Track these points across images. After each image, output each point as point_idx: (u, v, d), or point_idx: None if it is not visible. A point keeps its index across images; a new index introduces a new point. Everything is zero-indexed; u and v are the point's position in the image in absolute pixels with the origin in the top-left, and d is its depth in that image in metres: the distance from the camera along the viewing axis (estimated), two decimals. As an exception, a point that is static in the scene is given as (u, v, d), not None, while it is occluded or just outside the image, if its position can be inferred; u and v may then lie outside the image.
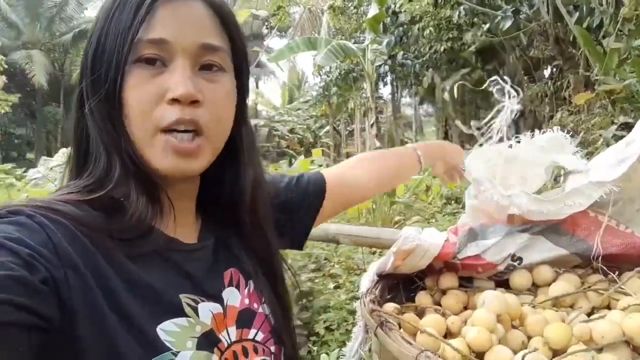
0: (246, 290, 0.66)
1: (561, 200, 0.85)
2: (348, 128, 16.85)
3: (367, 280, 0.94)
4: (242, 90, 0.67)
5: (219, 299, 0.62)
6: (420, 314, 0.85)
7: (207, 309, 0.60)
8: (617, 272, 0.90)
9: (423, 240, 0.89)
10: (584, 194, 0.84)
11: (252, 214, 0.68)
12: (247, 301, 0.65)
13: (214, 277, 0.64)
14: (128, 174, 0.57)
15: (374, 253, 2.54)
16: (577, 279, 0.85)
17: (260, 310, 0.67)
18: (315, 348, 1.86)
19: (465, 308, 0.88)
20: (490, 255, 0.87)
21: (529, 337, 0.71)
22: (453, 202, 4.96)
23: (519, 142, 0.97)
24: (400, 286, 0.97)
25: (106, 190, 0.56)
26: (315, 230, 1.66)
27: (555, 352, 0.67)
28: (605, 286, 0.82)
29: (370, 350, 0.84)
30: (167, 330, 0.54)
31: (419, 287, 0.95)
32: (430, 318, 0.76)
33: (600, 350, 0.64)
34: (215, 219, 0.69)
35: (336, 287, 2.42)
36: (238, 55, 0.65)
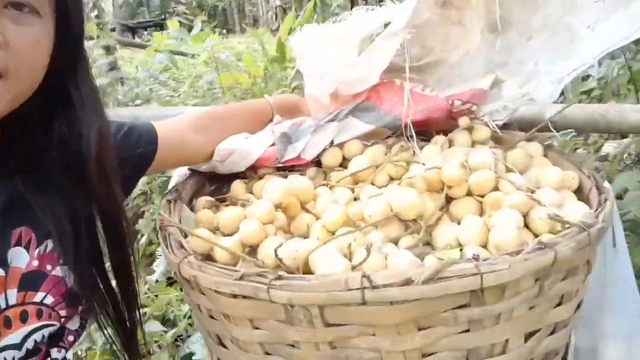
0: (37, 250, 0.60)
1: (364, 60, 0.80)
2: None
3: (177, 176, 0.88)
4: (71, 37, 0.59)
5: (2, 261, 0.57)
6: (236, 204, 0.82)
7: None
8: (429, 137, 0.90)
9: (243, 146, 0.83)
10: (383, 49, 0.79)
11: (102, 171, 0.62)
12: (35, 263, 0.59)
13: None
14: None
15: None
16: (382, 150, 0.83)
17: (54, 272, 0.61)
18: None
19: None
20: (307, 154, 0.84)
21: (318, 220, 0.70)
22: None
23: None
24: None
25: None
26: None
27: (334, 234, 0.66)
28: (408, 155, 0.81)
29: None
30: None
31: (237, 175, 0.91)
32: (227, 213, 0.73)
33: (376, 227, 0.63)
34: (13, 169, 0.61)
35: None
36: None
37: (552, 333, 0.62)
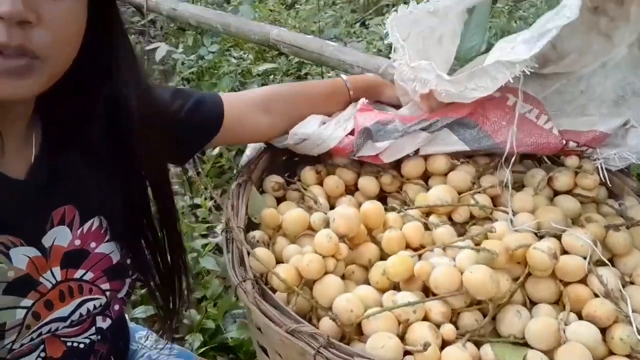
0: (81, 229, 0.61)
1: (462, 82, 0.70)
2: None
3: (251, 148, 0.85)
4: (107, 5, 0.55)
5: (39, 242, 0.57)
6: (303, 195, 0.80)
7: (21, 254, 0.55)
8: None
9: (318, 133, 0.78)
10: (489, 76, 0.68)
11: (141, 137, 0.61)
12: (78, 242, 0.60)
13: (38, 215, 0.57)
14: None
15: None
16: (470, 175, 0.76)
17: (98, 249, 0.62)
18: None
19: (356, 186, 0.82)
20: (387, 157, 0.78)
21: (383, 253, 0.67)
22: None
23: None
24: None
25: None
26: (254, 34, 1.47)
27: (400, 283, 0.63)
28: (497, 192, 0.74)
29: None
30: None
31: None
32: (290, 216, 0.71)
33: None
34: (63, 146, 0.61)
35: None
36: None
37: None
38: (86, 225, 0.62)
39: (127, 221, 0.65)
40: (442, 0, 0.75)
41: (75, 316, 0.61)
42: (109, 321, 0.67)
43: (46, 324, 0.58)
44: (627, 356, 0.55)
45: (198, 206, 1.49)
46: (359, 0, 3.31)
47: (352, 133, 0.79)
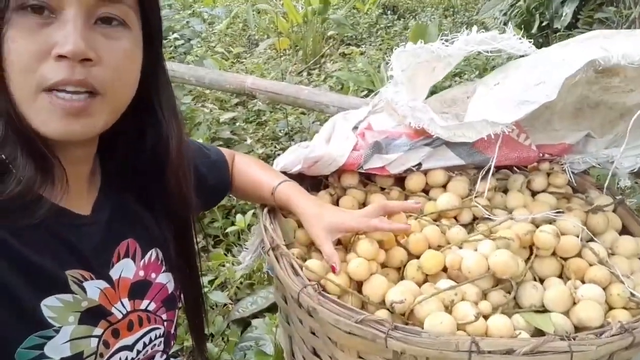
0: (142, 261, 0.66)
1: (451, 129, 0.84)
2: None
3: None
4: (153, 47, 0.60)
5: (107, 275, 0.62)
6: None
7: (94, 286, 0.59)
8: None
9: (329, 152, 0.87)
10: (474, 130, 0.82)
11: (178, 175, 0.66)
12: (142, 273, 0.65)
13: (105, 250, 0.62)
14: (13, 136, 0.51)
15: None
16: (465, 184, 0.89)
17: (158, 280, 0.67)
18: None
19: (364, 205, 0.92)
20: (393, 168, 0.89)
21: (409, 254, 0.77)
22: (389, 12, 4.73)
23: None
24: (307, 180, 0.97)
25: None
26: (229, 84, 1.57)
27: (428, 276, 0.74)
28: (491, 195, 0.87)
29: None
30: (50, 305, 0.54)
31: (322, 183, 0.97)
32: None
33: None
34: (120, 182, 0.66)
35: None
36: (146, 6, 0.57)
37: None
38: (146, 257, 0.67)
39: (177, 251, 0.71)
40: (444, 48, 0.88)
41: (140, 345, 0.65)
42: (165, 356, 0.71)
43: (115, 352, 0.61)
44: (623, 308, 0.69)
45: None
46: (297, 53, 3.56)
47: (354, 148, 0.90)
